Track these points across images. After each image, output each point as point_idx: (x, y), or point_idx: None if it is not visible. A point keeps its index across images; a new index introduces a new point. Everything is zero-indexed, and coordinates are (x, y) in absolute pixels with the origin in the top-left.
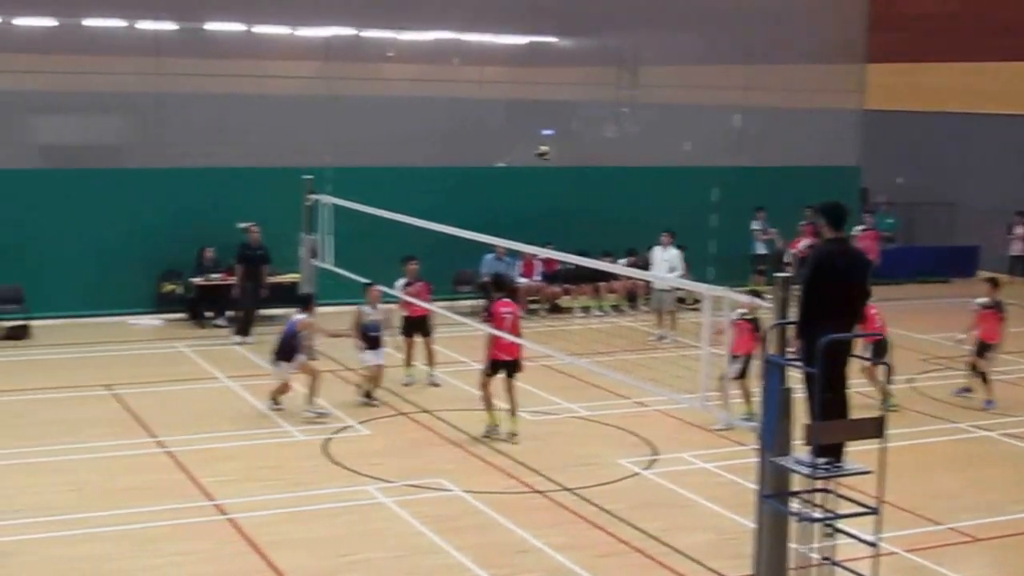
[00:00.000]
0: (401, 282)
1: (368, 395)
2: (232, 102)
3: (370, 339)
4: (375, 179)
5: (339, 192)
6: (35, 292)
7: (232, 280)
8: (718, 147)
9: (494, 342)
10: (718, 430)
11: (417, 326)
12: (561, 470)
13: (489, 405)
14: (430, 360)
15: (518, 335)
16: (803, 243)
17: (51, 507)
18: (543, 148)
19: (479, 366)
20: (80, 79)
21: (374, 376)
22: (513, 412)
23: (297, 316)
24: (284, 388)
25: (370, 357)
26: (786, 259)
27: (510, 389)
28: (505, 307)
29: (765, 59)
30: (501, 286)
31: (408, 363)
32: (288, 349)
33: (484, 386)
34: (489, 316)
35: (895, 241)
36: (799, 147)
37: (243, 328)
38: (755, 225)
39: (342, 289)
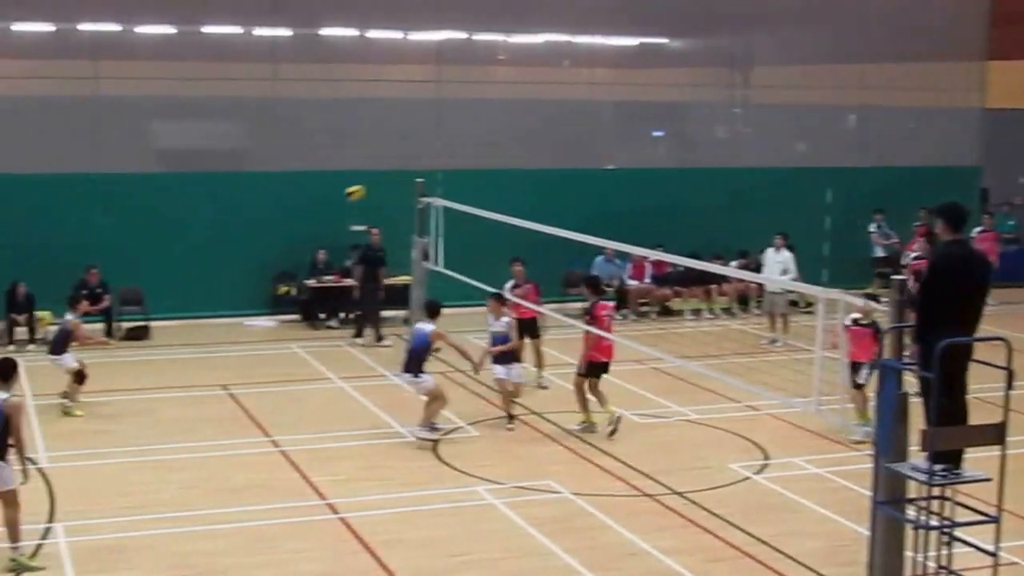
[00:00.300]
0: (509, 284)
1: (510, 418)
2: (345, 106)
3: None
4: (485, 181)
5: (450, 195)
6: (154, 294)
7: (346, 282)
8: (833, 148)
9: (596, 343)
10: (856, 442)
11: (525, 328)
12: (670, 473)
13: (585, 405)
14: (539, 362)
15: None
16: (916, 245)
17: (169, 503)
18: (352, 189)
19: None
20: (198, 85)
21: (511, 392)
22: (604, 403)
23: (425, 326)
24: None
25: (499, 371)
26: (903, 262)
27: (596, 387)
28: (605, 309)
29: (881, 57)
30: (598, 288)
31: None
32: (418, 361)
33: (579, 386)
34: (592, 318)
35: (1018, 243)
36: (917, 147)
37: (360, 330)
38: (872, 227)
39: (453, 291)
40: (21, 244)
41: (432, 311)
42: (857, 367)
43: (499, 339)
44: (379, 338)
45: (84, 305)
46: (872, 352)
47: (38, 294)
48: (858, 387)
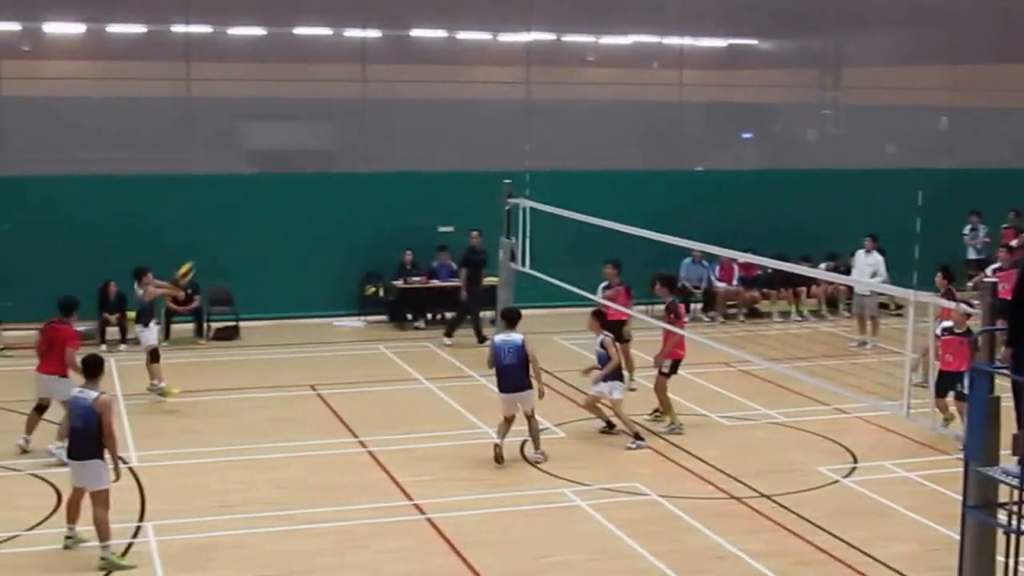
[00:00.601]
0: (602, 285)
1: (609, 425)
2: (433, 107)
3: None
4: (573, 183)
5: (537, 196)
6: (244, 294)
7: (432, 283)
8: (923, 149)
9: (680, 342)
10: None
11: (614, 330)
12: (758, 476)
13: (669, 405)
14: (628, 365)
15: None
16: (1000, 254)
17: (257, 503)
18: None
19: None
20: (289, 86)
21: (605, 407)
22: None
23: (515, 337)
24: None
25: (602, 388)
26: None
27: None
28: (684, 308)
29: (972, 58)
30: (674, 287)
31: None
32: (525, 374)
33: (663, 388)
34: (675, 316)
35: None
36: (1009, 149)
37: (451, 330)
38: (966, 229)
39: (540, 293)
40: (113, 244)
41: (513, 319)
42: (950, 377)
43: (601, 358)
44: (481, 339)
45: (148, 277)
46: (969, 361)
47: (129, 294)
48: (961, 397)
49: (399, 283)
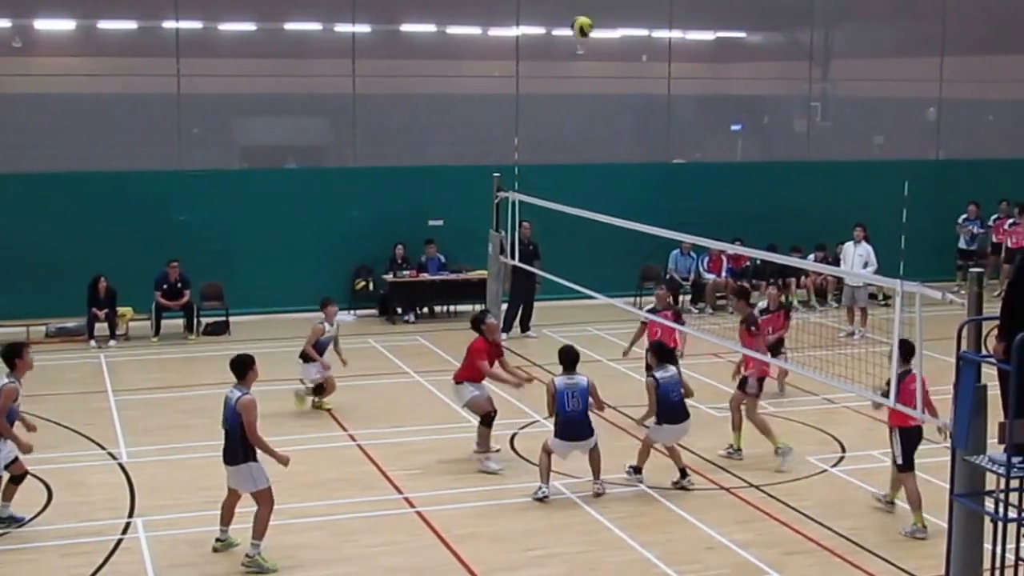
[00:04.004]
0: (647, 308)
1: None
2: (424, 102)
3: (321, 355)
4: (563, 176)
5: (527, 189)
6: (234, 289)
7: (423, 277)
8: (911, 140)
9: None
10: None
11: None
12: (747, 467)
13: (768, 427)
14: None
15: None
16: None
17: (248, 498)
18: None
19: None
20: (279, 82)
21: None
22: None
23: (580, 379)
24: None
25: (314, 372)
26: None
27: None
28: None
29: (960, 50)
30: (749, 300)
31: None
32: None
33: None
34: (757, 330)
35: None
36: (998, 140)
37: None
38: (961, 218)
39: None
40: (104, 239)
41: (572, 361)
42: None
43: (327, 343)
44: (525, 329)
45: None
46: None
47: (120, 289)
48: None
49: (389, 277)
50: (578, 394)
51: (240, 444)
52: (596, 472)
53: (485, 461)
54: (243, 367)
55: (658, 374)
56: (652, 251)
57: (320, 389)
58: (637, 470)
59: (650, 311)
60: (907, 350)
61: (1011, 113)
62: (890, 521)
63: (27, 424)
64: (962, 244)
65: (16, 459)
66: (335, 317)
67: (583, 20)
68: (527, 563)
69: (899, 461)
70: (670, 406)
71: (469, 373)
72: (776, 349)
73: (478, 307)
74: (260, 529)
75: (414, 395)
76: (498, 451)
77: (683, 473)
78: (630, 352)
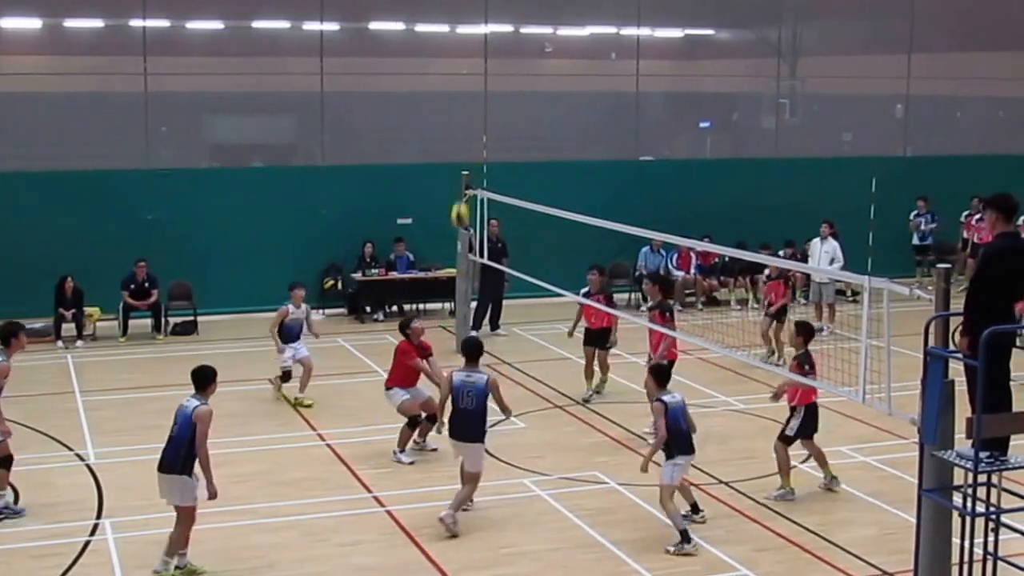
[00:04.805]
0: (583, 291)
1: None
2: (393, 100)
3: (290, 338)
4: (532, 174)
5: (495, 187)
6: (203, 288)
7: (391, 276)
8: (879, 137)
9: (674, 343)
10: None
11: (594, 339)
12: (717, 463)
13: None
14: (603, 371)
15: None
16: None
17: (222, 499)
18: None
19: (637, 360)
20: (247, 80)
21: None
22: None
23: (479, 375)
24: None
25: (287, 357)
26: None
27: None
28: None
29: (928, 47)
30: (667, 288)
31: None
32: (481, 422)
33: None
34: (669, 317)
35: None
36: (965, 136)
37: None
38: (913, 214)
39: None
40: (71, 239)
41: (475, 353)
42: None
43: (294, 327)
44: (494, 327)
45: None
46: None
47: (87, 289)
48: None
49: (358, 276)
50: (473, 392)
51: (184, 454)
52: (457, 499)
53: (398, 453)
54: (205, 379)
55: (666, 398)
56: (622, 248)
57: (288, 376)
58: (685, 538)
59: (585, 295)
60: (807, 332)
61: (978, 109)
62: (858, 516)
63: None
64: (915, 240)
65: (2, 441)
66: (301, 300)
67: (460, 209)
68: (498, 561)
69: (790, 434)
70: (681, 434)
71: (399, 377)
72: (779, 317)
73: (447, 305)
74: (177, 544)
75: (383, 394)
76: (434, 450)
77: (695, 508)
78: (573, 334)
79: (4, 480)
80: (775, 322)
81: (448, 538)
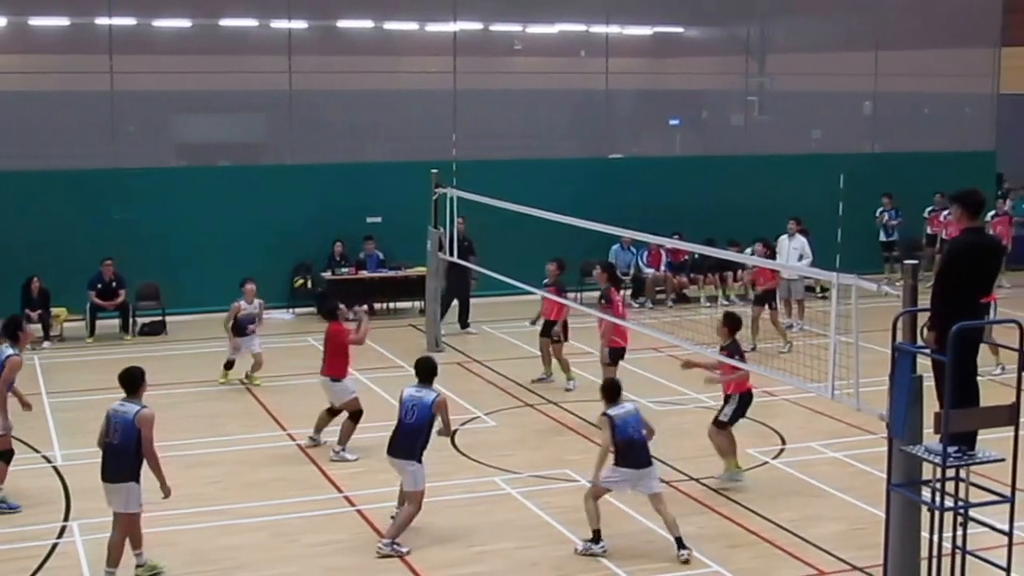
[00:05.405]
0: (544, 282)
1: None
2: (362, 98)
3: (242, 332)
4: (502, 172)
5: (465, 185)
6: (171, 288)
7: (361, 274)
8: (847, 134)
9: (615, 329)
10: None
11: (546, 330)
12: (688, 460)
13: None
14: (546, 361)
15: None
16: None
17: (189, 499)
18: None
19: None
20: (215, 78)
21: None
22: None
23: (425, 394)
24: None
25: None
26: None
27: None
28: (619, 294)
29: (896, 44)
30: (613, 274)
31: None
32: (416, 443)
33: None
34: (608, 303)
35: None
36: (932, 133)
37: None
38: (878, 211)
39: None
40: (37, 239)
41: (427, 375)
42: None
43: (248, 320)
44: (464, 325)
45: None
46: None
47: (54, 290)
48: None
49: (328, 274)
50: (417, 409)
51: (132, 460)
52: (396, 524)
53: (341, 452)
54: (135, 381)
55: (612, 412)
56: (592, 246)
57: (231, 365)
58: (595, 539)
59: (545, 286)
60: (732, 323)
61: (946, 106)
62: (829, 511)
63: (22, 400)
64: (882, 237)
65: (3, 435)
66: (253, 295)
67: None
68: (469, 560)
69: (725, 420)
70: (629, 443)
71: (341, 366)
72: (765, 300)
73: (417, 304)
74: (118, 551)
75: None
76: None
77: (680, 543)
78: (536, 323)
79: (3, 474)
80: (768, 308)
81: (419, 537)
